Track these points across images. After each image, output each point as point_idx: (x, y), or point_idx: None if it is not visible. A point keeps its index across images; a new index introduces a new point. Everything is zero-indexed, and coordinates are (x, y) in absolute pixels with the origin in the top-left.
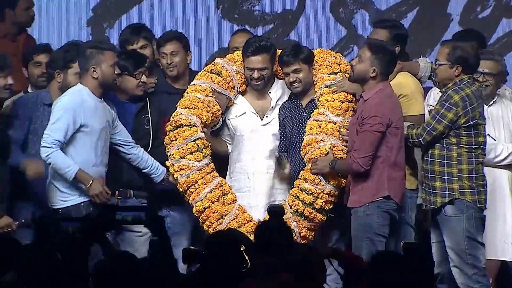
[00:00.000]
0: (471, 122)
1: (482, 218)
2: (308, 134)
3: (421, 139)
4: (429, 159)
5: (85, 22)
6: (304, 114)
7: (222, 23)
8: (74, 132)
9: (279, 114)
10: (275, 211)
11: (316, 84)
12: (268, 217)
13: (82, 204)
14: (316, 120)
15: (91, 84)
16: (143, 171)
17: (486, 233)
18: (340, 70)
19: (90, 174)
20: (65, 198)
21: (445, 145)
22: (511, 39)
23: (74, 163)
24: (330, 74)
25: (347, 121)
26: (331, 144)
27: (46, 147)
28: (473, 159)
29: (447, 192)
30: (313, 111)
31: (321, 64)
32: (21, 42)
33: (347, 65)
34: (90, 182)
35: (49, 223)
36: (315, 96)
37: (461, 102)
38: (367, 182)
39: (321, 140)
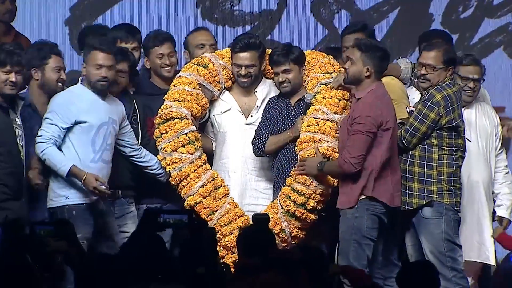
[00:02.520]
0: (453, 124)
1: (458, 221)
2: (306, 131)
3: (404, 141)
4: (408, 159)
5: (63, 22)
6: (293, 113)
7: (202, 23)
8: (69, 127)
9: (264, 108)
10: (259, 218)
11: (309, 83)
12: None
13: (67, 207)
14: (314, 118)
15: (85, 81)
16: (147, 172)
17: (466, 235)
18: (334, 71)
19: (84, 170)
20: (55, 198)
21: (426, 146)
22: (493, 40)
23: (68, 160)
24: (324, 73)
25: None
26: (328, 146)
27: (40, 142)
28: (453, 162)
29: (425, 194)
30: (302, 110)
31: (314, 65)
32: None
33: (340, 67)
34: (84, 177)
35: (20, 226)
36: (306, 95)
37: (443, 102)
38: (356, 183)
39: (319, 140)
